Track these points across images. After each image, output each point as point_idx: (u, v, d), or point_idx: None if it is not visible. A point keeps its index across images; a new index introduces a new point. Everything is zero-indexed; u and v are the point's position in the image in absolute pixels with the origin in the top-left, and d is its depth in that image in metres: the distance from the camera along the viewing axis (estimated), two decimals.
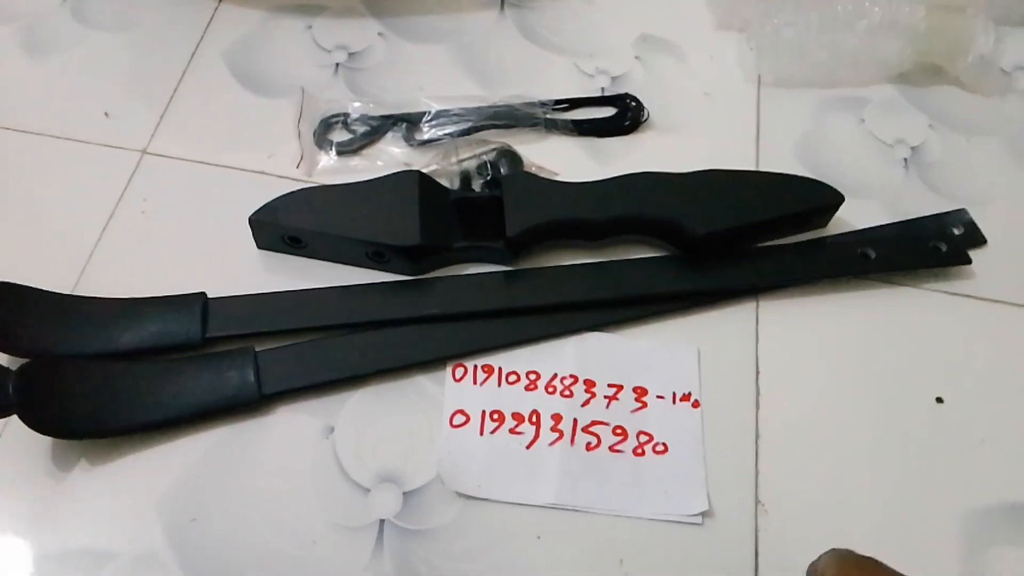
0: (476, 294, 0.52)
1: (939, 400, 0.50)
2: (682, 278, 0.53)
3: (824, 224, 0.56)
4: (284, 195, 0.52)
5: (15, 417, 0.43)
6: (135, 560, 0.44)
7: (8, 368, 0.43)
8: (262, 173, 0.57)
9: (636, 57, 0.65)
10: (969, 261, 0.54)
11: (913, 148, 0.61)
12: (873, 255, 0.54)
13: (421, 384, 0.50)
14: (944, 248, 0.54)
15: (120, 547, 0.44)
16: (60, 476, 0.46)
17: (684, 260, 0.54)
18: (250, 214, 0.52)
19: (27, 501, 0.45)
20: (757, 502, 0.47)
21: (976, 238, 0.56)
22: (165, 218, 0.55)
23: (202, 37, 0.63)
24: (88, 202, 0.55)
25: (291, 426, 0.48)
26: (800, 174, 0.56)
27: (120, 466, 0.46)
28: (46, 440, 0.46)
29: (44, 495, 0.45)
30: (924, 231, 0.56)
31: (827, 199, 0.54)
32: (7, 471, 0.46)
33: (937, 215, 0.57)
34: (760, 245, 0.55)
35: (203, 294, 0.50)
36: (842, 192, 0.54)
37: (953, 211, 0.57)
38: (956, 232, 0.56)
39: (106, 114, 0.59)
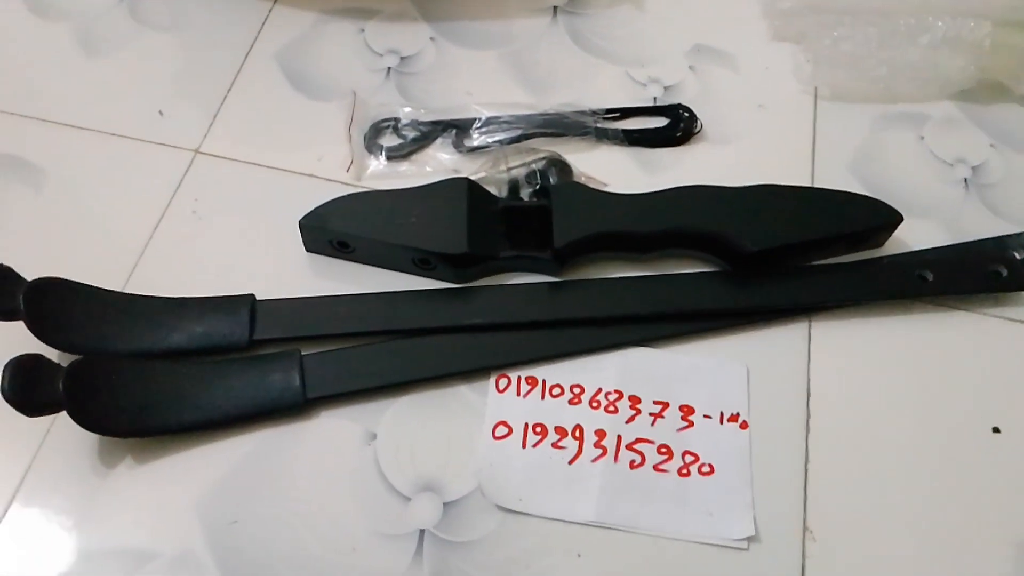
0: (521, 304, 0.52)
1: (996, 430, 0.49)
2: (732, 295, 0.52)
3: (880, 244, 0.55)
4: (333, 200, 0.52)
5: (63, 413, 0.43)
6: (174, 560, 0.44)
7: (59, 365, 0.44)
8: (312, 176, 0.57)
9: (689, 67, 0.64)
10: None
11: (974, 168, 0.59)
12: (931, 277, 0.52)
13: (463, 394, 0.49)
14: (1004, 273, 0.53)
15: (160, 547, 0.44)
16: (105, 473, 0.46)
17: (734, 276, 0.53)
18: (299, 217, 0.52)
19: (72, 497, 0.46)
20: (805, 528, 0.46)
21: None
22: (216, 218, 0.55)
23: (255, 38, 0.64)
24: (141, 200, 0.56)
25: (333, 431, 0.48)
26: (856, 190, 0.55)
27: (163, 465, 0.46)
28: (92, 437, 0.46)
29: (89, 492, 0.46)
30: (983, 254, 0.55)
31: (885, 218, 0.53)
32: (54, 466, 0.46)
33: (997, 238, 0.55)
34: (813, 264, 0.54)
35: (251, 296, 0.50)
36: (899, 210, 0.53)
37: (1015, 234, 0.56)
38: (1017, 256, 0.54)
39: (160, 112, 0.60)
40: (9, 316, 0.46)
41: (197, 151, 0.58)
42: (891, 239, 0.55)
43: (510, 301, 0.52)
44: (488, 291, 0.52)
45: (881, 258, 0.54)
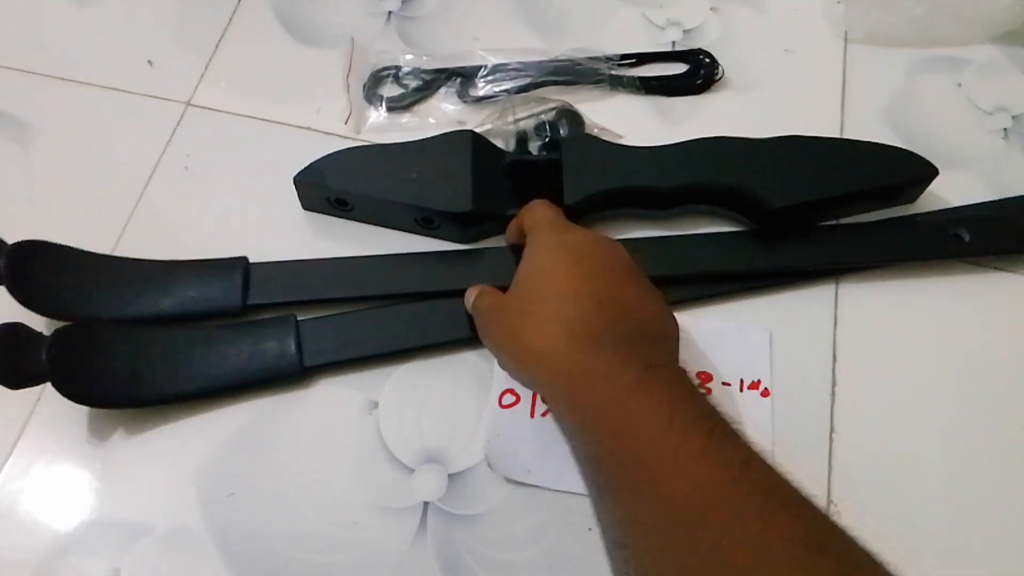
0: None
1: None
2: (756, 256, 0.49)
3: (914, 199, 0.51)
4: (330, 154, 0.49)
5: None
6: (170, 533, 0.43)
7: (42, 333, 0.42)
8: (309, 129, 0.54)
9: (711, 8, 0.59)
10: None
11: (1015, 117, 0.55)
12: (967, 237, 0.49)
13: (469, 360, 0.47)
14: None
15: (155, 520, 0.43)
16: (97, 445, 0.45)
17: (759, 236, 0.50)
18: (295, 172, 0.49)
19: (64, 470, 0.44)
20: (829, 501, 0.43)
21: None
22: (208, 174, 0.53)
23: None
24: (131, 155, 0.53)
25: (332, 400, 0.46)
26: (889, 141, 0.51)
27: (157, 436, 0.44)
28: (83, 408, 0.44)
29: (81, 464, 0.44)
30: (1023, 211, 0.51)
31: (919, 172, 0.49)
32: (45, 437, 0.45)
33: None
34: (842, 222, 0.50)
35: (244, 259, 0.48)
36: (934, 163, 0.49)
37: None
38: None
39: (150, 63, 0.57)
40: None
41: (188, 103, 0.55)
42: (925, 194, 0.51)
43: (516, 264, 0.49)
44: (494, 253, 0.49)
45: (914, 216, 0.51)
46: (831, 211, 0.50)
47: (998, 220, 0.51)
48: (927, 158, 0.50)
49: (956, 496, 0.44)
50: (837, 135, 0.54)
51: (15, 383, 0.41)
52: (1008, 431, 0.45)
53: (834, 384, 0.46)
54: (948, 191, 0.52)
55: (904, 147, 0.51)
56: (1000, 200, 0.52)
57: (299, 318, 0.46)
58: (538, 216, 0.43)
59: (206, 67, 0.57)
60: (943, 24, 0.57)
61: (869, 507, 0.43)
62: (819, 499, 0.43)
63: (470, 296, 0.44)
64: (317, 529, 0.43)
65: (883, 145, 0.50)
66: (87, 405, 0.44)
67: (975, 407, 0.46)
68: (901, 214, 0.51)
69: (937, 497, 0.44)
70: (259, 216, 0.51)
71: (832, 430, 0.45)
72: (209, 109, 0.55)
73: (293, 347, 0.45)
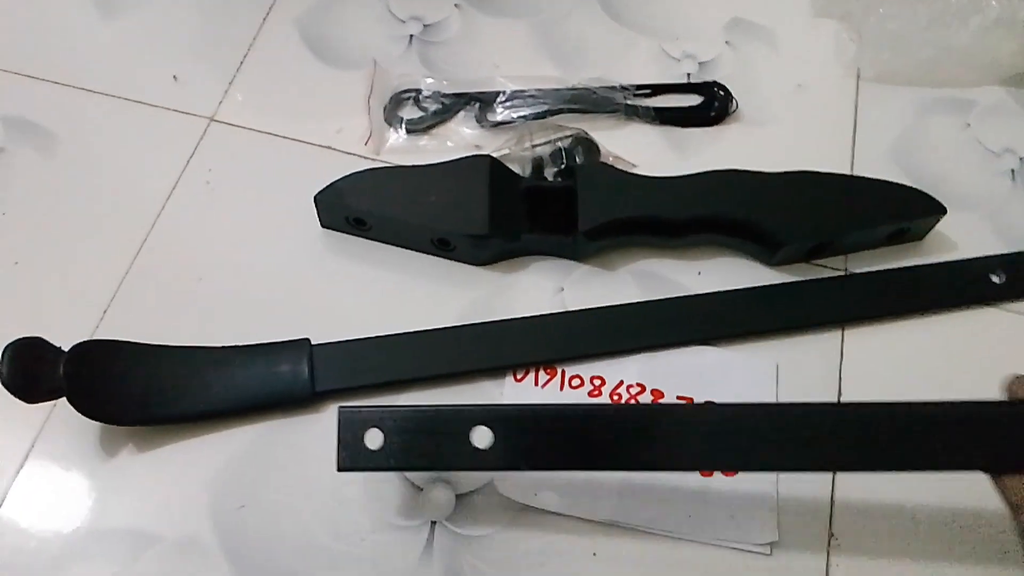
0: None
1: None
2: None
3: (921, 237, 0.52)
4: (351, 175, 0.50)
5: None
6: (179, 543, 0.43)
7: (60, 348, 0.42)
8: (329, 148, 0.55)
9: (726, 42, 0.61)
10: None
11: (1022, 159, 0.56)
12: (1001, 279, 0.50)
13: (479, 383, 0.48)
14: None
15: (165, 530, 0.43)
16: (109, 456, 0.45)
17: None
18: (315, 191, 0.50)
19: (75, 479, 0.45)
20: (830, 535, 0.44)
21: None
22: (229, 189, 0.54)
23: (275, 1, 0.61)
24: (154, 168, 0.54)
25: None
26: (897, 179, 0.52)
27: (168, 451, 0.45)
28: (95, 422, 0.45)
29: (92, 474, 0.45)
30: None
31: (927, 210, 0.50)
32: (57, 447, 0.45)
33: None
34: (854, 272, 0.52)
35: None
36: (942, 202, 0.50)
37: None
38: None
39: (175, 77, 0.58)
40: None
41: (212, 119, 0.56)
42: (933, 232, 0.52)
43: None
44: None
45: (922, 267, 0.52)
46: (841, 247, 0.51)
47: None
48: (935, 197, 0.51)
49: (957, 535, 0.44)
50: (847, 171, 0.55)
51: (32, 397, 0.41)
52: None
53: None
54: (955, 230, 0.53)
55: (913, 185, 0.52)
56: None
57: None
58: None
59: (230, 83, 0.58)
60: (952, 66, 0.58)
61: (870, 542, 0.44)
62: (821, 532, 0.44)
63: None
64: (325, 544, 0.43)
65: (892, 183, 0.51)
66: (101, 421, 0.44)
67: None
68: (909, 251, 0.52)
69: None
70: (278, 231, 0.52)
71: None
72: (232, 125, 0.56)
73: (306, 372, 0.46)
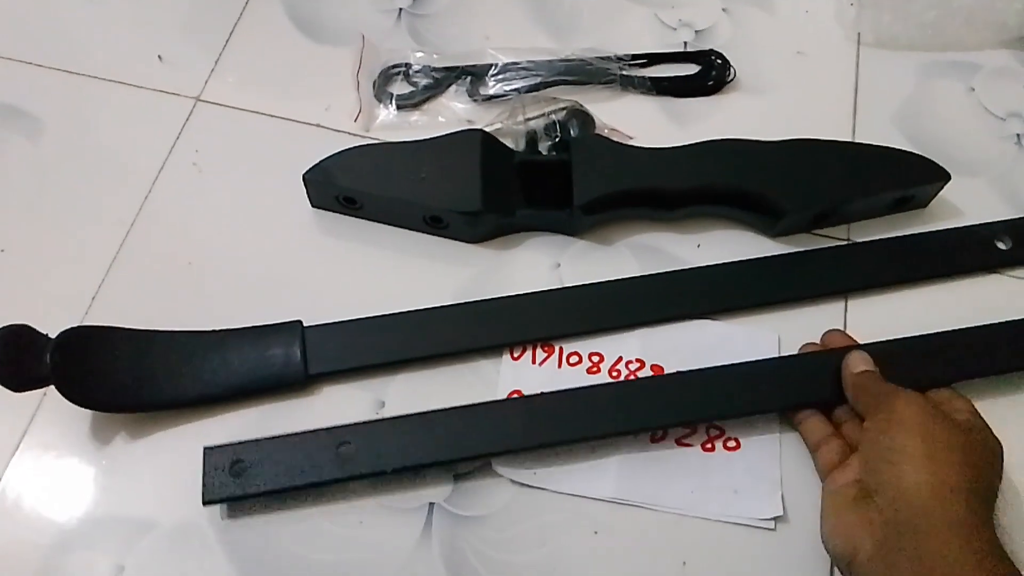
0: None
1: None
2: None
3: (925, 204, 0.51)
4: (340, 152, 0.49)
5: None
6: (175, 530, 0.43)
7: (46, 336, 0.42)
8: (318, 126, 0.54)
9: (723, 9, 0.59)
10: None
11: None
12: (1008, 245, 0.50)
13: (475, 361, 0.47)
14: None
15: (161, 516, 0.43)
16: (100, 445, 0.44)
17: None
18: (305, 170, 0.49)
19: (69, 467, 0.44)
20: None
21: None
22: (217, 170, 0.53)
23: None
24: (141, 150, 0.53)
25: (339, 398, 0.46)
26: (900, 145, 0.51)
27: (161, 437, 0.44)
28: (87, 410, 0.44)
29: (85, 462, 0.44)
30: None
31: (931, 177, 0.49)
32: (48, 438, 0.45)
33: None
34: (856, 241, 0.51)
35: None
36: (946, 169, 0.49)
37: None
38: None
39: (160, 57, 0.56)
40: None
41: (198, 99, 0.55)
42: (937, 199, 0.51)
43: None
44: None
45: (924, 235, 0.51)
46: (843, 215, 0.50)
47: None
48: (939, 163, 0.49)
49: None
50: (849, 139, 0.54)
51: (18, 386, 0.41)
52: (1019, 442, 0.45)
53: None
54: (959, 197, 0.52)
55: (916, 151, 0.51)
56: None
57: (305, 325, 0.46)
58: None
59: (216, 63, 0.56)
60: (955, 28, 0.57)
61: None
62: None
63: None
64: (324, 528, 0.43)
65: (895, 150, 0.50)
66: (90, 409, 0.44)
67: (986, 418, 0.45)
68: (912, 219, 0.51)
69: None
70: (268, 212, 0.51)
71: None
72: (219, 105, 0.55)
73: (298, 354, 0.45)
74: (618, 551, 0.42)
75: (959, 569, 0.35)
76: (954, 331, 0.46)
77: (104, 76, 0.56)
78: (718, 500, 0.43)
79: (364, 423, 0.43)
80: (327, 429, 0.43)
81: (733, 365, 0.45)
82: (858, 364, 0.43)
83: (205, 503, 0.41)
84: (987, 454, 0.40)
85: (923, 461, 0.37)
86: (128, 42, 0.57)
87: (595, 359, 0.47)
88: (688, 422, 0.44)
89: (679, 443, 0.44)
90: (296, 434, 0.43)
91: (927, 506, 0.36)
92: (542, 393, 0.45)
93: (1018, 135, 0.55)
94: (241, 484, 0.41)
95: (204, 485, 0.41)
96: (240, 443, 0.42)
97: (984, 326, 0.47)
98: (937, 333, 0.46)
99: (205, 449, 0.42)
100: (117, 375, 0.43)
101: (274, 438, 0.43)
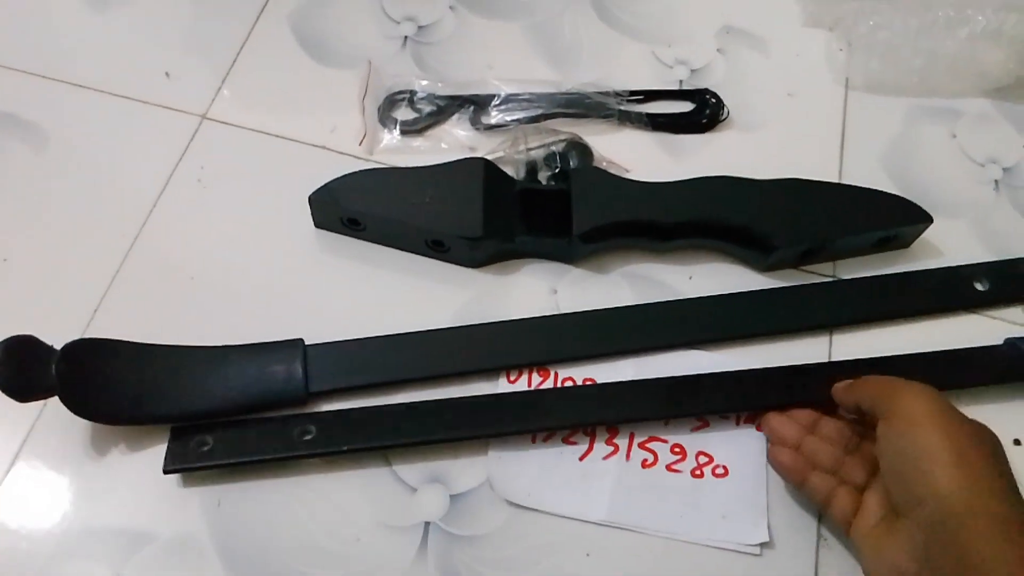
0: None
1: (1016, 443, 0.48)
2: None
3: (908, 244, 0.53)
4: (345, 175, 0.50)
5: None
6: (173, 542, 0.43)
7: (52, 347, 0.42)
8: (323, 148, 0.55)
9: (718, 50, 0.61)
10: None
11: (1006, 169, 0.57)
12: (985, 287, 0.52)
13: (472, 383, 0.48)
14: None
15: (159, 529, 0.43)
16: (99, 457, 0.45)
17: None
18: (308, 190, 0.50)
19: (67, 477, 0.44)
20: (819, 536, 0.44)
21: None
22: (222, 187, 0.53)
23: None
24: (146, 165, 0.54)
25: None
26: (884, 186, 0.54)
27: (161, 451, 0.44)
28: (87, 421, 0.44)
29: (84, 473, 0.44)
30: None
31: (914, 219, 0.51)
32: (48, 446, 0.45)
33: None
34: (842, 278, 0.52)
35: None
36: (928, 211, 0.51)
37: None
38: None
39: (167, 74, 0.57)
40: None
41: (204, 116, 0.56)
42: (919, 240, 0.53)
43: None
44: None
45: (908, 275, 0.53)
46: (829, 252, 0.52)
47: (1016, 267, 0.53)
48: (921, 205, 0.51)
49: None
50: (836, 178, 0.56)
51: (24, 395, 0.41)
52: None
53: None
54: (940, 238, 0.54)
55: (899, 193, 0.53)
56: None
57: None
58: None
59: (223, 81, 0.57)
60: (940, 76, 0.59)
61: None
62: (810, 532, 0.44)
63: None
64: (321, 544, 0.43)
65: (881, 192, 0.52)
66: (92, 420, 0.44)
67: None
68: (896, 258, 0.53)
69: None
70: (271, 230, 0.52)
71: None
72: (224, 123, 0.56)
73: (300, 372, 0.46)
74: (609, 573, 0.43)
75: (1015, 569, 0.33)
76: (927, 354, 0.49)
77: (111, 91, 0.56)
78: (706, 525, 0.44)
79: (328, 412, 0.46)
80: (291, 416, 0.45)
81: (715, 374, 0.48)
82: (844, 381, 0.44)
83: (165, 472, 0.43)
84: (998, 441, 0.38)
85: (954, 461, 0.36)
86: (136, 58, 0.58)
87: (588, 384, 0.48)
88: (674, 416, 0.47)
89: (669, 469, 0.46)
90: (260, 419, 0.45)
91: (970, 509, 0.35)
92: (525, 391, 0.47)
93: (996, 180, 0.57)
94: (202, 457, 0.44)
95: (166, 454, 0.44)
96: (206, 423, 0.44)
97: (952, 351, 0.49)
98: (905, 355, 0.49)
99: (172, 428, 0.44)
100: (120, 387, 0.44)
101: (239, 421, 0.45)
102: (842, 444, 0.44)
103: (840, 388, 0.44)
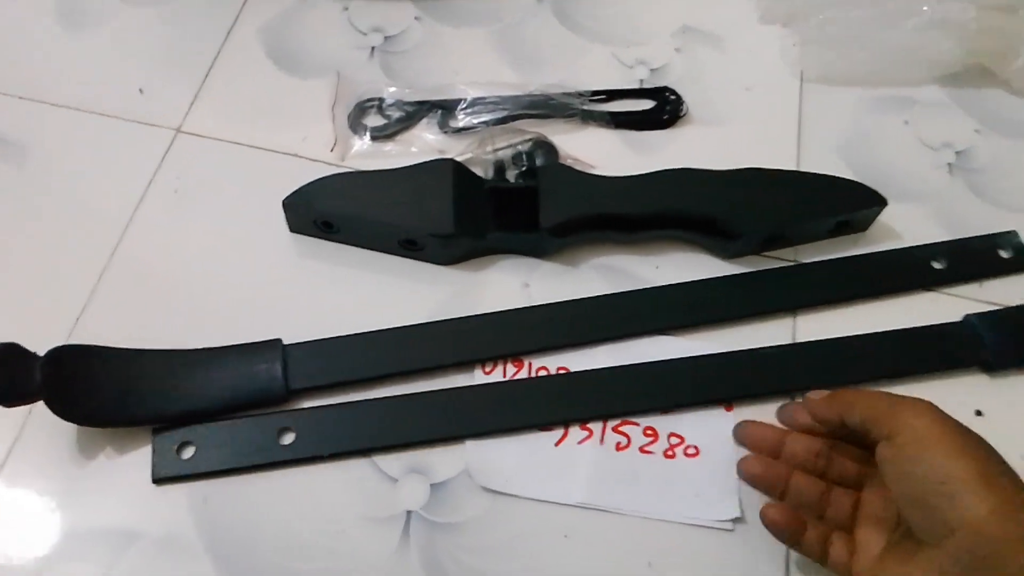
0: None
1: (978, 413, 0.49)
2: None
3: (865, 228, 0.55)
4: (318, 179, 0.51)
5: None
6: (161, 541, 0.44)
7: (35, 353, 0.43)
8: (296, 156, 0.56)
9: (676, 49, 0.63)
10: None
11: (958, 153, 0.60)
12: (943, 265, 0.53)
13: (449, 376, 0.49)
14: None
15: (146, 527, 0.44)
16: (86, 460, 0.46)
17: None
18: (283, 197, 0.51)
19: (56, 480, 0.45)
20: None
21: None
22: (198, 198, 0.55)
23: (238, 14, 0.63)
24: (121, 179, 0.55)
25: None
26: (841, 174, 0.55)
27: (147, 452, 0.45)
28: (72, 424, 0.45)
29: (72, 475, 0.45)
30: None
31: (869, 203, 0.53)
32: (35, 450, 0.46)
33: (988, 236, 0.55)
34: (803, 262, 0.54)
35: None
36: (884, 196, 0.53)
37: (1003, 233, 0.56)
38: (1005, 256, 0.55)
39: (140, 90, 0.59)
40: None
41: (178, 130, 0.57)
42: (876, 223, 0.55)
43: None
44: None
45: (869, 256, 0.55)
46: (789, 238, 0.54)
47: (971, 245, 0.55)
48: (877, 190, 0.53)
49: None
50: (794, 167, 0.58)
51: (9, 400, 0.42)
52: None
53: (792, 398, 0.49)
54: (897, 221, 0.55)
55: (856, 179, 0.55)
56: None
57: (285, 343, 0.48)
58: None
59: (196, 96, 0.59)
60: (890, 66, 0.61)
61: None
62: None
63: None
64: (305, 538, 0.44)
65: (836, 178, 0.54)
66: (78, 423, 0.45)
67: None
68: (854, 242, 0.55)
69: None
70: (247, 236, 0.53)
71: None
72: (199, 136, 0.57)
73: (280, 371, 0.47)
74: (588, 554, 0.44)
75: None
76: (883, 333, 0.51)
77: (88, 108, 0.58)
78: (680, 503, 0.46)
79: (308, 408, 0.47)
80: (272, 413, 0.47)
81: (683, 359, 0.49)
82: (820, 393, 0.42)
83: (155, 481, 0.45)
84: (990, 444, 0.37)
85: (982, 483, 0.34)
86: (110, 75, 0.59)
87: (562, 372, 0.49)
88: (645, 411, 0.48)
89: (642, 451, 0.47)
90: (240, 417, 0.46)
91: (1006, 535, 0.33)
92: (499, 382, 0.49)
93: (949, 164, 0.59)
94: (187, 465, 0.45)
95: (153, 464, 0.45)
96: (189, 423, 0.46)
97: (913, 328, 0.51)
98: (868, 335, 0.50)
99: (153, 430, 0.45)
100: (104, 391, 0.45)
101: (222, 421, 0.46)
102: (815, 463, 0.43)
103: (819, 402, 0.42)
